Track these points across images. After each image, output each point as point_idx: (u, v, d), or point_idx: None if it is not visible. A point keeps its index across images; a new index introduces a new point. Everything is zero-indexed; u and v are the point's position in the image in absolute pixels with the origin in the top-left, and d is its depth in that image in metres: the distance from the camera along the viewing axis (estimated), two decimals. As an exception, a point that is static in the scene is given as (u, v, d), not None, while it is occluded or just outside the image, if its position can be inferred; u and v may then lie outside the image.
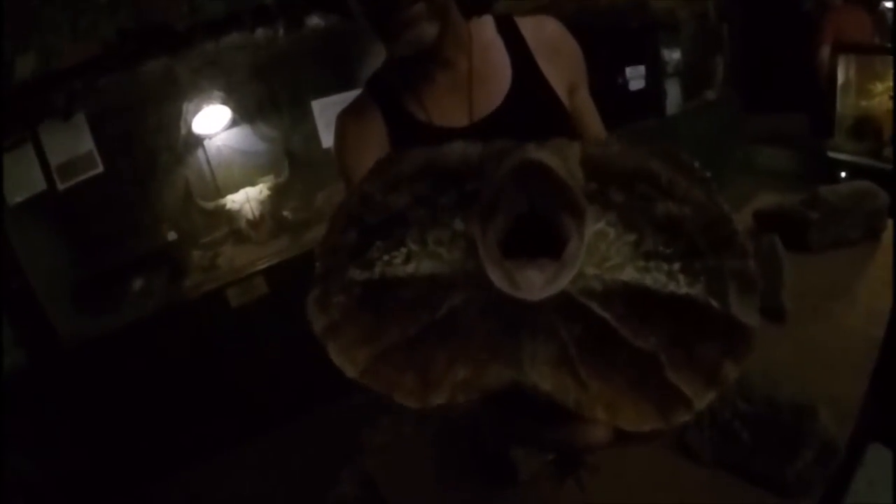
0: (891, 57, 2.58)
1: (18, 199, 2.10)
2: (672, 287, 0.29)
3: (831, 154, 2.86)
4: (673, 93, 3.29)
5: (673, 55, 3.32)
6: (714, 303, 0.28)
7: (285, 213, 2.30)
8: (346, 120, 0.84)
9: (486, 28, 0.81)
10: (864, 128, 2.74)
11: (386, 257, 0.33)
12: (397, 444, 0.81)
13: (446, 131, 0.78)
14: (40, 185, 2.11)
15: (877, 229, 1.01)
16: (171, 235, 2.36)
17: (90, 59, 2.04)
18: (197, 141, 2.41)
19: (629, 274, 0.29)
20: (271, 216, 2.29)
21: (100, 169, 2.17)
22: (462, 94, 0.79)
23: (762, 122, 3.94)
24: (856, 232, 1.01)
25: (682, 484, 0.60)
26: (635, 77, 3.11)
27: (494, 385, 0.30)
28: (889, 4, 3.27)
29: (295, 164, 2.46)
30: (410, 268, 0.32)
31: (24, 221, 2.15)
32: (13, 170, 2.09)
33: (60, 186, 2.14)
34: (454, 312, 0.31)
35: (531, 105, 0.79)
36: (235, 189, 2.36)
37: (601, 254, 0.29)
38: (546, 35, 0.82)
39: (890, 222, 1.02)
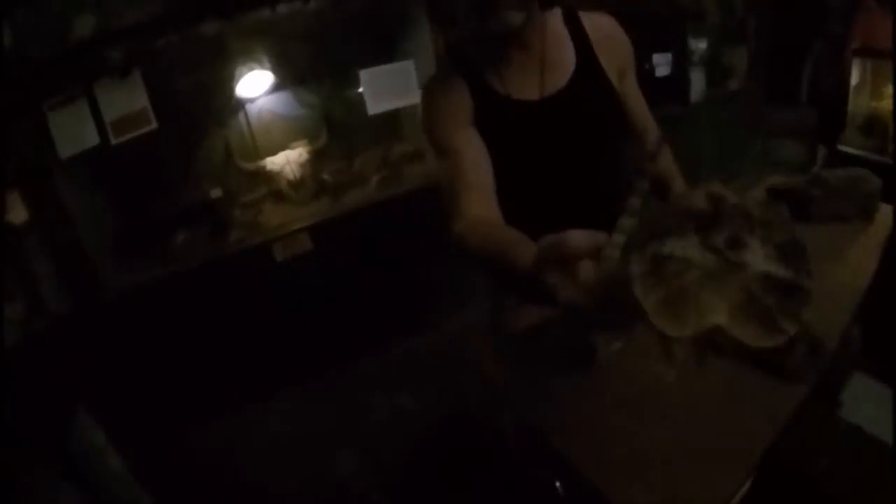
0: None
1: (71, 152, 2.16)
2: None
3: (841, 147, 2.99)
4: (697, 81, 3.37)
5: (699, 44, 3.38)
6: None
7: (325, 175, 2.41)
8: (435, 92, 0.95)
9: (556, 19, 0.94)
10: (873, 126, 2.87)
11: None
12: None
13: (522, 104, 0.92)
14: (94, 139, 2.18)
15: (869, 210, 1.19)
16: (216, 192, 2.47)
17: (148, 20, 2.11)
18: (239, 104, 2.53)
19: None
20: (311, 178, 2.40)
21: (154, 125, 2.24)
22: (534, 73, 0.92)
23: (783, 116, 4.01)
24: (850, 210, 1.19)
25: (706, 377, 0.74)
26: (661, 64, 3.20)
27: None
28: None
29: (334, 130, 2.56)
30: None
31: (75, 174, 2.25)
32: (68, 124, 2.16)
33: (114, 141, 2.21)
34: None
35: (590, 87, 0.93)
36: (275, 152, 2.46)
37: None
38: (603, 29, 0.96)
39: (884, 206, 1.20)
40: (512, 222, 0.79)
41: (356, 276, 2.36)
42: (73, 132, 2.18)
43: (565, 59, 0.93)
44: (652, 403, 0.74)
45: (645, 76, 3.17)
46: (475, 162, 0.89)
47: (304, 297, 2.35)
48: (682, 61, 3.29)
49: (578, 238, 0.53)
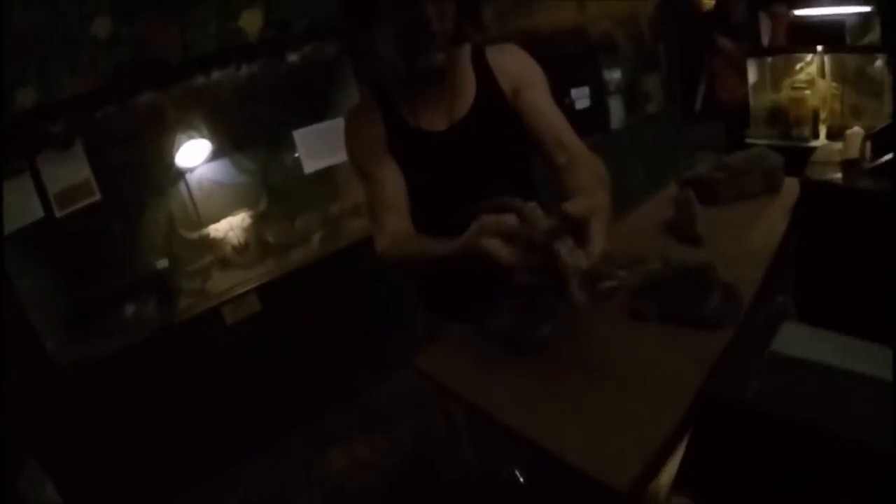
0: (789, 56, 3.19)
1: (15, 226, 2.12)
2: None
3: (750, 140, 3.32)
4: (616, 109, 3.65)
5: (613, 75, 3.68)
6: None
7: (269, 237, 2.47)
8: (353, 119, 1.08)
9: (464, 55, 1.05)
10: (776, 116, 3.23)
11: None
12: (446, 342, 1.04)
13: (430, 134, 1.03)
14: (38, 213, 2.14)
15: (774, 184, 1.31)
16: (162, 263, 2.47)
17: (89, 91, 2.15)
18: (179, 173, 2.57)
19: None
20: (256, 241, 2.46)
21: (97, 197, 2.23)
22: (442, 105, 1.02)
23: (699, 129, 4.36)
24: (756, 187, 1.31)
25: (639, 337, 0.86)
26: (580, 97, 3.45)
27: None
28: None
29: (274, 193, 2.64)
30: None
31: (20, 250, 2.19)
32: (11, 198, 2.11)
33: (58, 213, 2.18)
34: None
35: (490, 108, 1.03)
36: (218, 219, 2.51)
37: None
38: (502, 54, 1.07)
39: (790, 180, 1.33)
40: (429, 230, 0.91)
41: (306, 331, 2.40)
42: (18, 206, 2.13)
43: (468, 89, 1.03)
44: (591, 367, 0.82)
45: (566, 110, 3.41)
46: (390, 185, 1.00)
47: (258, 357, 2.37)
48: (599, 93, 3.56)
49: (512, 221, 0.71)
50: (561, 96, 3.36)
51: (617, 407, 0.74)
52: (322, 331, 2.42)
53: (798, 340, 0.73)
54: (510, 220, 0.70)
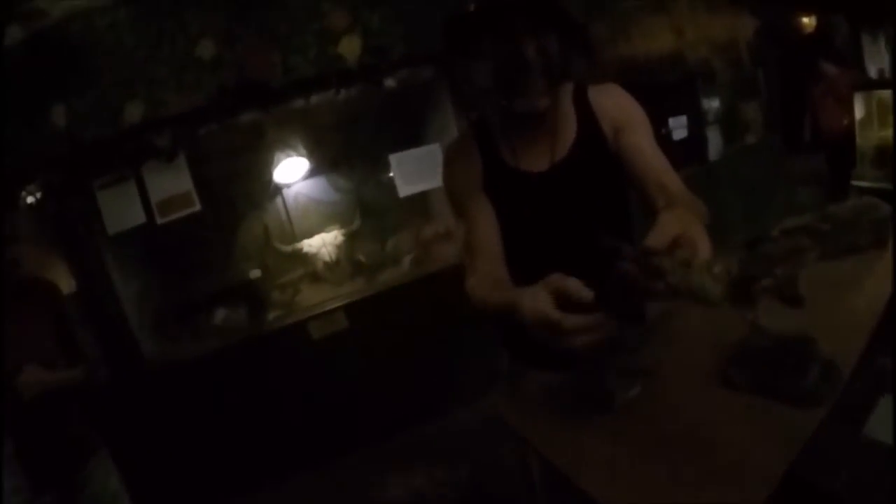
0: None
1: (118, 229, 2.30)
2: None
3: (855, 183, 3.10)
4: (714, 139, 3.44)
5: (712, 104, 3.48)
6: None
7: (360, 256, 2.51)
8: (451, 156, 1.07)
9: (567, 94, 1.00)
10: (884, 156, 2.97)
11: None
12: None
13: (528, 176, 0.99)
14: (140, 218, 2.31)
15: (883, 237, 1.16)
16: (255, 273, 2.58)
17: (193, 109, 2.30)
18: (277, 189, 2.68)
19: None
20: (347, 259, 2.50)
21: (197, 207, 2.37)
22: (543, 146, 0.98)
23: (803, 162, 4.04)
24: (864, 240, 1.17)
25: (727, 407, 0.80)
26: (678, 127, 3.29)
27: None
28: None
29: (367, 213, 2.69)
30: None
31: (121, 251, 2.38)
32: (116, 203, 2.31)
33: (159, 221, 2.35)
34: None
35: (591, 150, 0.98)
36: (311, 234, 2.59)
37: None
38: (604, 95, 1.01)
39: None
40: (520, 281, 0.83)
41: (390, 353, 2.40)
42: (121, 211, 2.33)
43: (569, 130, 0.99)
44: (674, 443, 0.77)
45: (663, 141, 3.26)
46: (483, 226, 0.97)
47: (340, 374, 2.39)
48: (697, 122, 3.38)
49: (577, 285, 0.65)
50: (658, 126, 3.21)
51: (697, 484, 0.68)
52: (406, 354, 2.41)
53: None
54: (575, 284, 0.65)
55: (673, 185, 0.92)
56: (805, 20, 5.18)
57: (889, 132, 2.97)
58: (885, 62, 5.21)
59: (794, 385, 0.76)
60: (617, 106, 1.00)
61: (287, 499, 2.27)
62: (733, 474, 0.67)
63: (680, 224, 0.65)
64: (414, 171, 2.42)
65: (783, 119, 4.05)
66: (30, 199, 2.32)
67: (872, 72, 4.94)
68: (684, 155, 3.27)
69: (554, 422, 0.88)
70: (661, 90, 3.17)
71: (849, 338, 0.87)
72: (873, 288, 1.02)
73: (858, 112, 3.09)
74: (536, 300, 0.66)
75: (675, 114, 3.30)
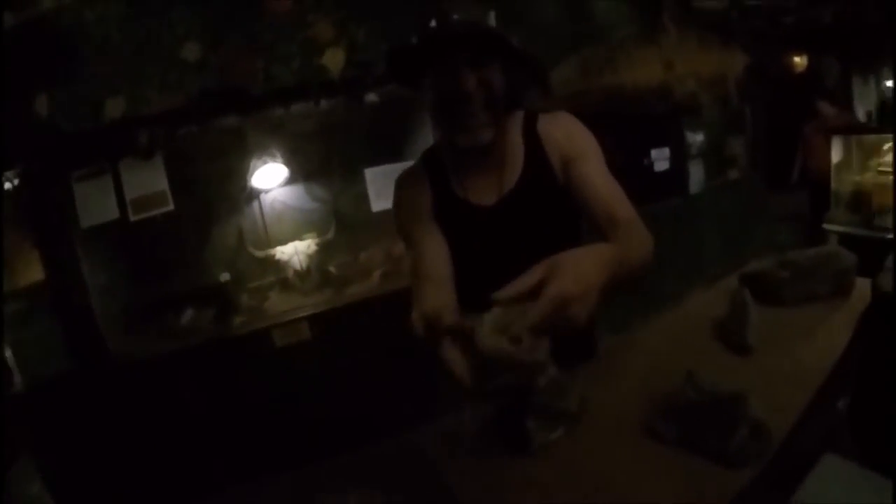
0: (879, 136, 2.89)
1: (91, 223, 2.30)
2: None
3: (826, 226, 3.14)
4: (696, 173, 3.48)
5: (696, 137, 3.53)
6: None
7: (331, 267, 2.50)
8: (402, 185, 1.06)
9: (516, 123, 1.00)
10: (859, 200, 3.00)
11: None
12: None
13: (477, 208, 0.99)
14: (114, 213, 2.32)
15: (845, 286, 1.16)
16: (224, 276, 2.55)
17: (174, 109, 2.30)
18: (254, 194, 2.67)
19: None
20: (317, 269, 2.49)
21: (170, 207, 2.38)
22: (492, 178, 0.98)
23: (785, 201, 4.08)
24: (824, 288, 1.16)
25: (651, 460, 0.79)
26: (660, 159, 3.32)
27: None
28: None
29: (341, 224, 2.68)
30: None
31: (93, 244, 2.36)
32: (91, 197, 2.30)
33: (132, 218, 2.35)
34: None
35: (537, 182, 0.98)
36: (285, 241, 2.57)
37: None
38: (553, 124, 1.01)
39: (862, 282, 1.17)
40: (470, 306, 0.82)
41: (352, 367, 2.38)
42: (96, 205, 2.32)
43: (517, 160, 0.99)
44: (587, 494, 0.75)
45: (645, 171, 3.30)
46: (432, 252, 0.95)
47: (300, 383, 2.37)
48: (680, 155, 3.42)
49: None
50: (640, 157, 3.25)
51: None
52: (367, 369, 2.39)
53: (834, 483, 0.66)
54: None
55: (622, 216, 0.90)
56: (796, 59, 5.27)
57: (866, 176, 3.01)
58: (874, 105, 5.31)
59: (721, 443, 0.75)
60: (566, 136, 1.00)
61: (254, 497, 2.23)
62: None
63: (543, 272, 0.63)
64: (388, 187, 2.39)
65: (770, 157, 4.10)
66: (7, 185, 2.31)
67: (861, 114, 5.04)
68: (665, 187, 3.30)
69: (471, 458, 0.86)
70: (646, 121, 3.22)
71: (792, 390, 0.87)
72: (827, 339, 1.02)
73: (836, 155, 3.13)
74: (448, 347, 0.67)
75: (659, 145, 3.33)
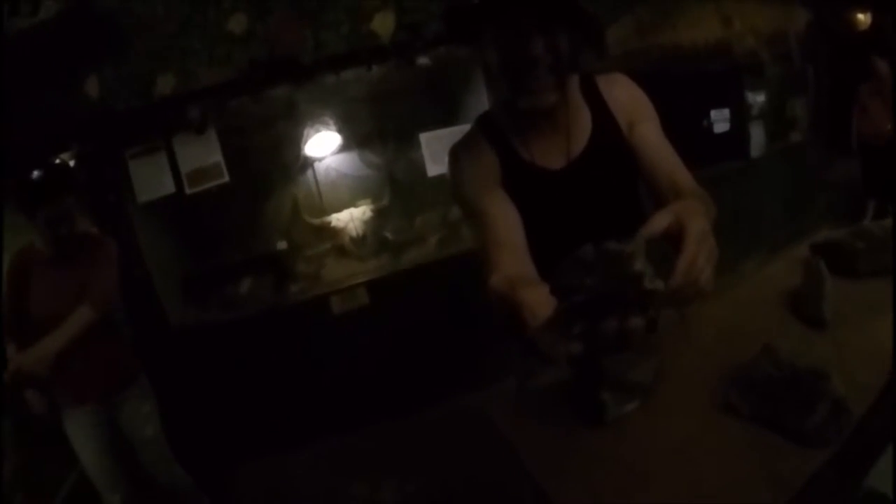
0: None
1: (148, 198, 2.36)
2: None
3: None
4: (757, 135, 3.31)
5: (757, 98, 3.35)
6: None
7: (387, 233, 2.50)
8: (461, 153, 0.99)
9: (574, 85, 0.96)
10: None
11: None
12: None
13: (547, 172, 0.95)
14: (170, 188, 2.36)
15: None
16: (281, 245, 2.60)
17: (224, 82, 2.30)
18: (308, 162, 2.69)
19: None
20: (373, 235, 2.50)
21: (226, 179, 2.40)
22: (558, 141, 0.94)
23: (848, 166, 3.85)
24: None
25: (723, 434, 0.75)
26: (720, 120, 3.17)
27: None
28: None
29: (396, 190, 2.68)
30: None
31: (150, 219, 2.43)
32: (147, 173, 2.35)
33: (188, 191, 2.39)
34: None
35: (607, 145, 0.95)
36: (340, 209, 2.59)
37: None
38: (615, 86, 0.98)
39: None
40: (545, 275, 0.79)
41: (410, 332, 2.40)
42: (151, 180, 2.37)
43: (583, 124, 0.96)
44: (660, 468, 0.73)
45: (704, 133, 3.15)
46: (506, 221, 0.91)
47: (357, 349, 2.41)
48: (740, 116, 3.25)
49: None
50: (699, 118, 3.10)
51: None
52: (426, 335, 2.40)
53: None
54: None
55: (684, 182, 0.89)
56: (860, 16, 4.91)
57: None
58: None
59: (799, 422, 0.70)
60: (630, 97, 0.98)
61: (291, 467, 2.29)
62: None
63: (671, 215, 0.61)
64: (443, 151, 2.36)
65: (830, 119, 3.87)
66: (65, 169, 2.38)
67: (924, 76, 4.67)
68: (725, 149, 3.16)
69: (542, 428, 0.84)
70: (704, 80, 3.06)
71: (870, 368, 0.81)
72: None
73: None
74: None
75: (718, 106, 3.18)
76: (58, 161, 2.37)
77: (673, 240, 0.60)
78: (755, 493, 0.63)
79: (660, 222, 0.60)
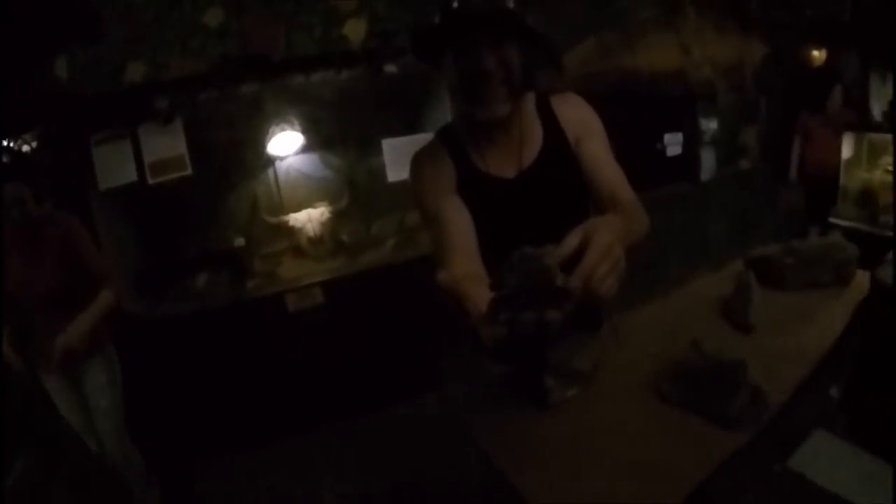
0: (891, 135, 2.97)
1: (109, 185, 2.33)
2: None
3: (833, 220, 3.25)
4: (708, 160, 3.48)
5: (710, 124, 3.52)
6: None
7: (343, 236, 2.54)
8: (422, 161, 1.07)
9: (529, 102, 1.06)
10: (868, 198, 3.09)
11: None
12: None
13: (500, 181, 1.04)
14: (132, 176, 2.34)
15: (846, 276, 1.23)
16: (239, 241, 2.60)
17: (194, 75, 2.30)
18: (270, 161, 2.70)
19: None
20: (330, 237, 2.53)
21: (188, 171, 2.39)
22: (511, 152, 1.03)
23: (791, 195, 4.08)
24: (827, 277, 1.23)
25: (656, 419, 0.85)
26: (673, 143, 3.33)
27: None
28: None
29: (355, 193, 2.71)
30: None
31: (109, 206, 2.40)
32: (110, 159, 2.32)
33: (150, 181, 2.37)
34: None
35: (556, 157, 1.04)
36: (299, 209, 2.61)
37: None
38: (566, 104, 1.08)
39: (860, 272, 1.23)
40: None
41: (363, 333, 2.44)
42: (114, 167, 2.34)
43: (535, 137, 1.04)
44: (594, 443, 0.82)
45: (656, 155, 3.30)
46: (459, 225, 0.97)
47: (312, 348, 2.43)
48: (693, 141, 3.42)
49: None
50: (653, 140, 3.26)
51: (610, 486, 0.73)
52: (378, 336, 2.45)
53: (823, 456, 0.70)
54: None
55: (622, 195, 0.97)
56: (815, 53, 5.20)
57: (873, 175, 3.06)
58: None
59: (722, 406, 0.80)
60: (578, 115, 1.07)
61: (241, 466, 2.29)
62: (646, 480, 0.72)
63: (581, 234, 0.67)
64: (404, 158, 2.41)
65: (780, 149, 4.09)
66: (25, 148, 2.34)
67: (877, 112, 4.98)
68: (676, 171, 3.32)
69: (496, 414, 0.93)
70: (660, 104, 3.22)
71: (789, 366, 0.92)
72: (826, 324, 1.08)
73: (846, 151, 3.19)
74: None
75: (672, 130, 3.34)
76: (12, 144, 2.34)
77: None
78: (684, 466, 0.73)
79: (571, 242, 0.67)
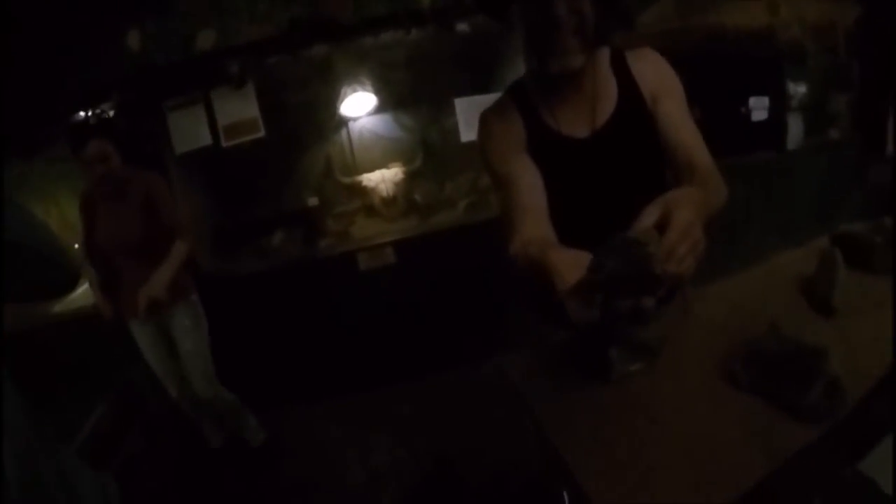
0: None
1: (185, 149, 2.45)
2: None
3: None
4: (795, 127, 3.23)
5: (798, 89, 3.26)
6: None
7: (416, 196, 2.54)
8: (490, 119, 1.03)
9: (604, 58, 0.98)
10: None
11: None
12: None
13: (572, 140, 0.98)
14: (206, 140, 2.45)
15: None
16: (313, 201, 2.66)
17: (264, 39, 2.35)
18: (342, 122, 2.73)
19: None
20: (403, 197, 2.54)
21: (262, 133, 2.48)
22: (584, 110, 0.97)
23: (885, 169, 3.75)
24: None
25: (723, 403, 0.79)
26: (758, 108, 3.11)
27: None
28: None
29: (429, 154, 2.70)
30: None
31: (186, 170, 2.51)
32: (185, 125, 2.44)
33: (224, 144, 2.48)
34: None
35: (631, 116, 0.97)
36: (372, 169, 2.64)
37: None
38: (642, 60, 1.00)
39: None
40: (565, 242, 0.83)
41: (433, 294, 2.45)
42: (189, 132, 2.46)
43: (609, 94, 0.98)
44: (655, 423, 0.78)
45: (740, 120, 3.10)
46: (529, 186, 0.94)
47: (382, 306, 2.47)
48: (779, 106, 3.18)
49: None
50: (737, 104, 3.05)
51: (665, 471, 0.68)
52: (450, 297, 2.45)
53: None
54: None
55: (700, 163, 0.91)
56: (915, 15, 4.70)
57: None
58: None
59: (796, 395, 0.74)
60: (656, 72, 0.99)
61: (309, 419, 2.36)
62: (705, 471, 0.67)
63: (660, 208, 0.63)
64: (478, 118, 2.39)
65: (873, 119, 3.75)
66: (103, 117, 2.47)
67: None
68: (761, 138, 3.10)
69: (554, 385, 0.89)
70: (745, 66, 3.00)
71: (872, 358, 0.83)
72: None
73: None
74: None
75: (758, 93, 3.11)
76: (97, 111, 2.48)
77: (662, 230, 0.62)
78: (747, 457, 0.67)
79: (648, 218, 0.63)
